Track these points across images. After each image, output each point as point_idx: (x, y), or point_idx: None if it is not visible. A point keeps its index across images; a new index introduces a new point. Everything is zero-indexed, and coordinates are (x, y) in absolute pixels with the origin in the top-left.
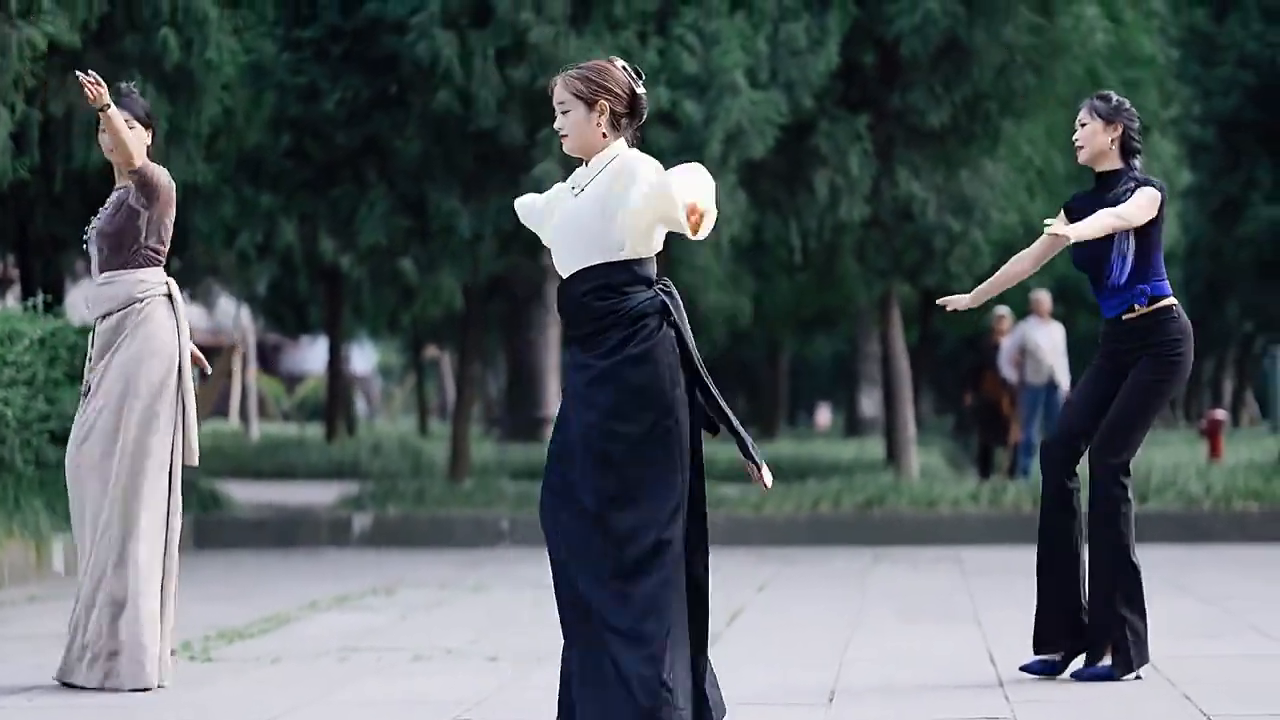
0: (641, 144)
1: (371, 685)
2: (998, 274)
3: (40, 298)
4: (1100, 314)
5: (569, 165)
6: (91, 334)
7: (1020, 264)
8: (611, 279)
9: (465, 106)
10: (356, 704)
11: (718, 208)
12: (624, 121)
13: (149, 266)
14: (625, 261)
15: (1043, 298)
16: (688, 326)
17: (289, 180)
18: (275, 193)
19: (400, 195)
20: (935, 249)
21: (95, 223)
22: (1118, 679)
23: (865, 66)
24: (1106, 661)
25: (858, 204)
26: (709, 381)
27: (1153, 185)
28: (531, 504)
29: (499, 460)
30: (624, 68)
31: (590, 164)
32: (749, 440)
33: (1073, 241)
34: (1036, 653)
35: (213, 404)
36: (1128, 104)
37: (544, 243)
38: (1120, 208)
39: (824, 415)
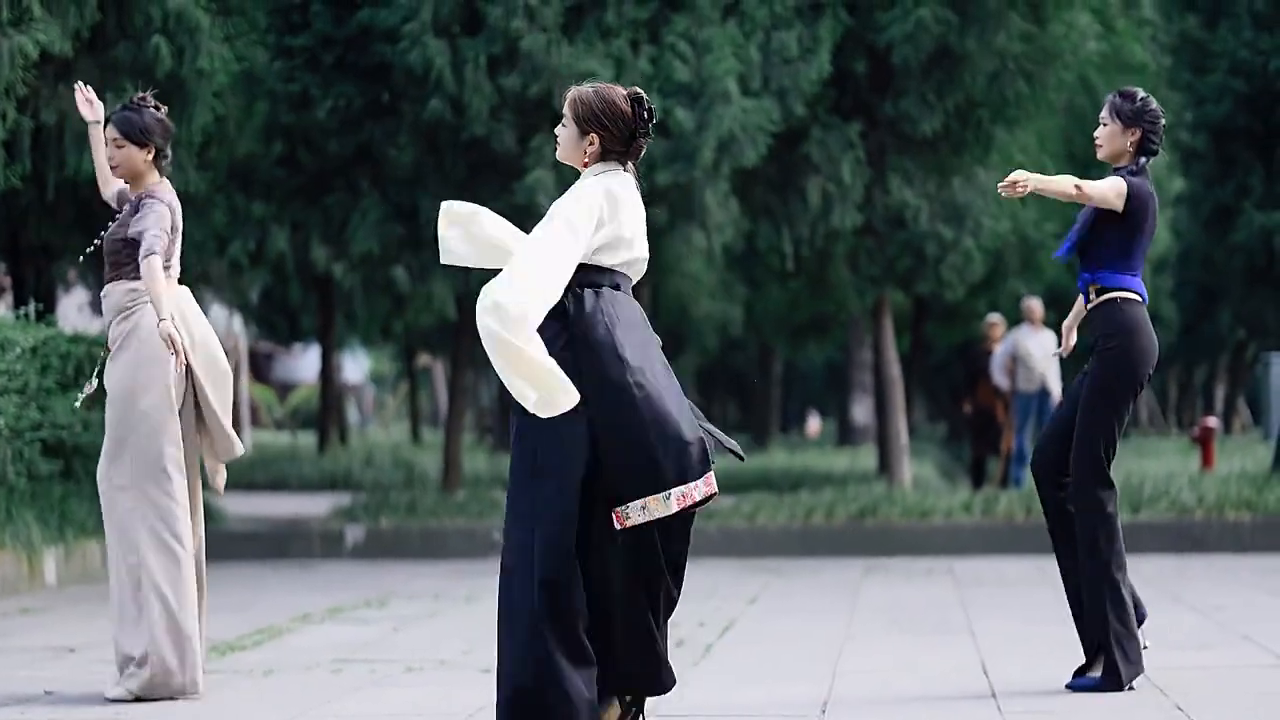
0: None
1: (365, 697)
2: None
3: (32, 306)
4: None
5: (561, 173)
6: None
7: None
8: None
9: (457, 114)
10: (350, 717)
11: (711, 215)
12: (614, 157)
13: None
14: None
15: (1035, 305)
16: (613, 326)
17: (281, 188)
18: (267, 201)
19: (392, 203)
20: (927, 256)
21: (104, 234)
22: (1109, 690)
23: (857, 74)
24: (1099, 672)
25: (850, 212)
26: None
27: (1131, 179)
28: None
29: (491, 470)
30: (635, 102)
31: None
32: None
33: (1028, 190)
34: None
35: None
36: (1153, 104)
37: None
38: (1086, 182)
39: (814, 423)
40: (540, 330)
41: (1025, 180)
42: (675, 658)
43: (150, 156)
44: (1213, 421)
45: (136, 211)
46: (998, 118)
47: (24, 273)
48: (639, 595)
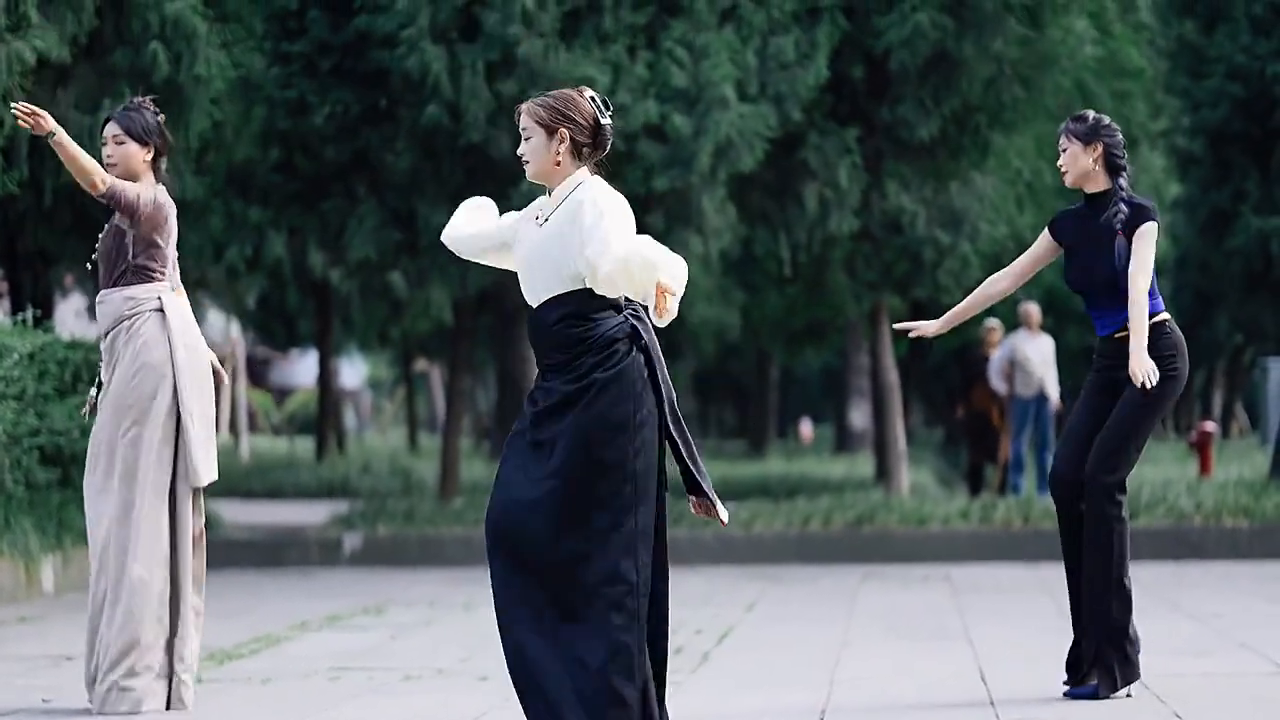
0: (631, 158)
1: (363, 705)
2: (970, 296)
3: (30, 312)
4: (1094, 330)
5: None
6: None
7: (999, 283)
8: (581, 306)
9: (454, 120)
10: None
11: (708, 220)
12: (586, 151)
13: (142, 284)
14: (587, 288)
15: (1032, 310)
16: (658, 350)
17: (278, 194)
18: (264, 206)
19: (390, 209)
20: (924, 261)
21: (98, 244)
22: (1105, 697)
23: (854, 80)
24: (1096, 680)
25: (847, 217)
26: (676, 411)
27: (1147, 215)
28: None
29: (488, 477)
30: (591, 98)
31: (554, 194)
32: (705, 477)
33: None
34: (1077, 681)
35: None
36: (1106, 120)
37: (494, 266)
38: (1134, 274)
39: (806, 429)
40: (617, 349)
41: (1144, 365)
42: (673, 665)
43: (149, 157)
44: (1210, 427)
45: (125, 215)
46: (995, 123)
47: (21, 279)
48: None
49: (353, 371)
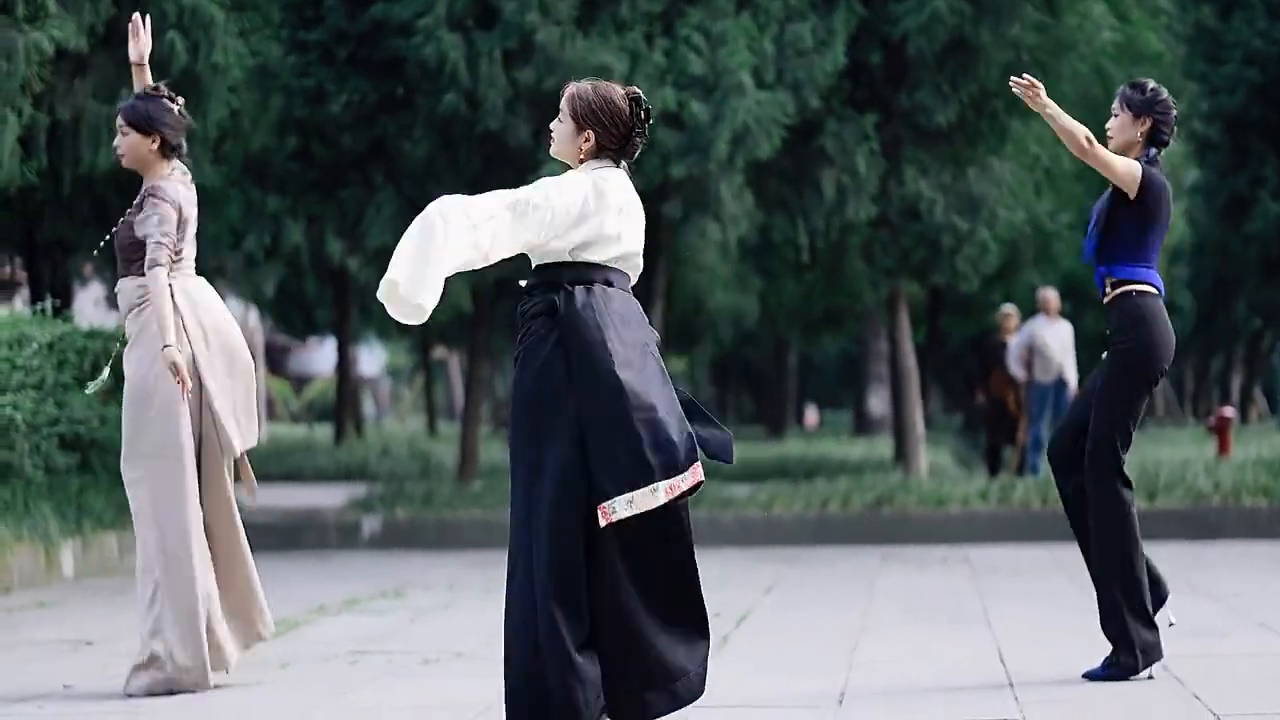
0: (649, 145)
1: (381, 689)
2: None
3: (48, 301)
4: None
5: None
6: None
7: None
8: (528, 283)
9: (472, 108)
10: (366, 709)
11: (726, 207)
12: (609, 154)
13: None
14: (536, 266)
15: (1050, 295)
16: (595, 322)
17: (296, 182)
18: (282, 195)
19: (407, 197)
20: (943, 248)
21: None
22: (1126, 679)
23: (872, 66)
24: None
25: (865, 203)
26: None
27: (1146, 166)
28: None
29: (507, 461)
30: (634, 102)
31: None
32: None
33: (1042, 105)
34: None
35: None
36: (1164, 95)
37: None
38: (1099, 144)
39: (812, 416)
40: (531, 325)
41: (1045, 101)
42: None
43: (156, 146)
44: (1229, 411)
45: (141, 209)
46: (1012, 109)
47: (40, 268)
48: (635, 605)
49: (371, 359)
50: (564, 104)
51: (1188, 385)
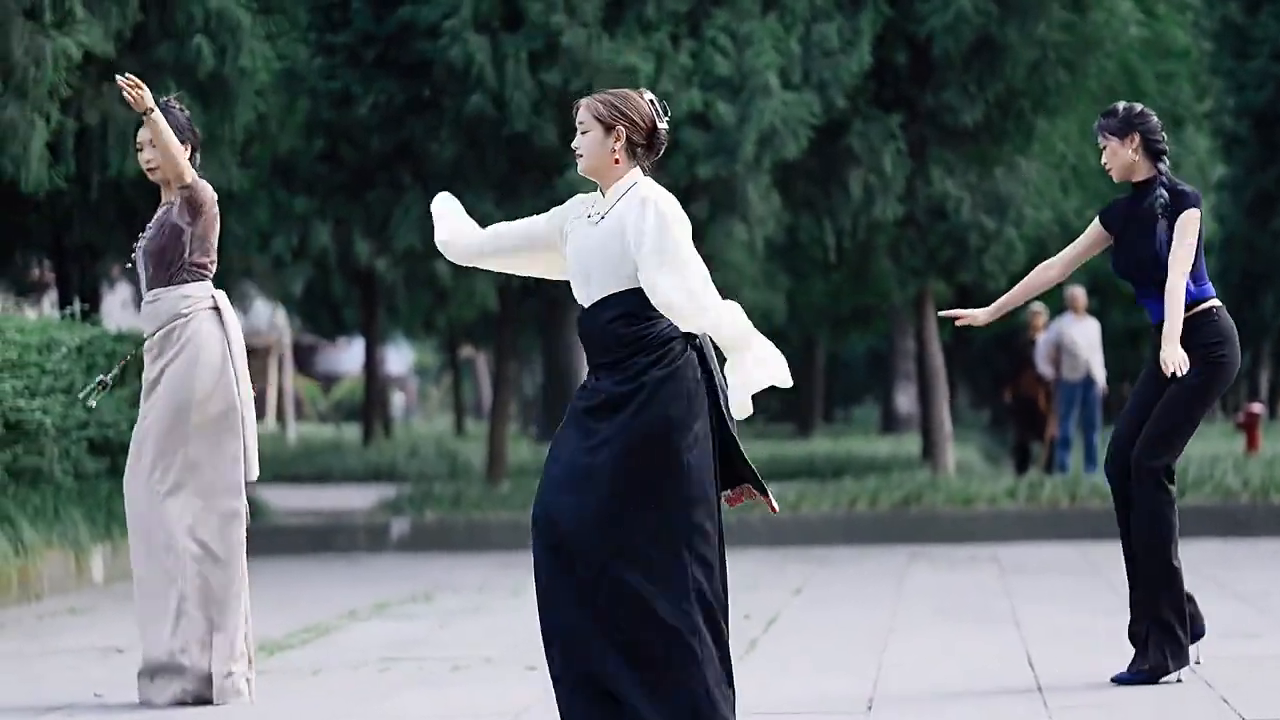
0: (675, 146)
1: (412, 696)
2: (1019, 285)
3: (77, 306)
4: (1149, 317)
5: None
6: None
7: (1048, 271)
8: (637, 305)
9: (498, 110)
10: (397, 716)
11: (753, 208)
12: (640, 151)
13: (195, 281)
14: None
15: (1078, 293)
16: (712, 349)
17: (323, 184)
18: (309, 197)
19: (434, 198)
20: (970, 247)
21: (141, 241)
22: (1155, 682)
23: (898, 66)
24: (1145, 665)
25: (891, 203)
26: (729, 410)
27: (1188, 201)
28: None
29: (536, 461)
30: (650, 101)
31: (607, 193)
32: (755, 471)
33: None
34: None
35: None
36: (1137, 108)
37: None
38: (1173, 261)
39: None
40: (667, 338)
41: (1174, 356)
42: None
43: (188, 154)
44: (1257, 407)
45: (188, 212)
46: (1039, 107)
47: (69, 272)
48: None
49: (399, 358)
50: (582, 115)
51: None
